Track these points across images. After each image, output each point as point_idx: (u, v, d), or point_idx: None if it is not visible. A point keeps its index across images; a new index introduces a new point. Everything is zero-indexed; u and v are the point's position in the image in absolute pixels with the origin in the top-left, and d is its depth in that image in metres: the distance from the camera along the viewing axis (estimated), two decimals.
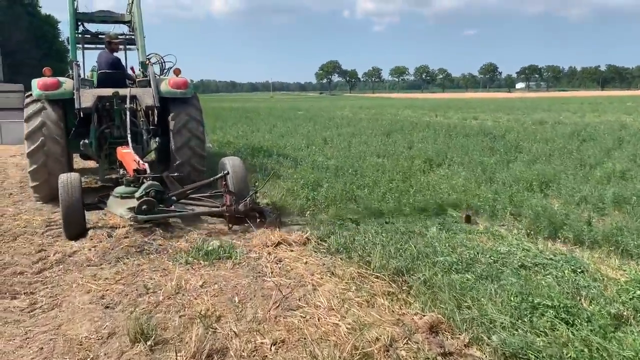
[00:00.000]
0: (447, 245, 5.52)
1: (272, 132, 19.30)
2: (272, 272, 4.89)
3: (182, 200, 6.77)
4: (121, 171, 7.21)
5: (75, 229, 6.15)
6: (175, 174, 7.12)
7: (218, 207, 6.56)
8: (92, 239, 5.95)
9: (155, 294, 4.47)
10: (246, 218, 6.34)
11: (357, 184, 8.64)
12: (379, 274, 4.59)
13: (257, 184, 7.46)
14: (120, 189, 6.62)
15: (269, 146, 14.25)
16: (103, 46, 9.79)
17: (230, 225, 6.36)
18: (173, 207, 6.48)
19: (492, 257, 5.04)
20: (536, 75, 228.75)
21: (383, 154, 12.83)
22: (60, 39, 64.92)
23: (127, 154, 7.29)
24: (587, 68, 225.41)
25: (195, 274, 4.92)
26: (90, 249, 5.64)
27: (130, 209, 6.01)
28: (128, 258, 5.36)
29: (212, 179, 7.08)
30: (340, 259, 5.16)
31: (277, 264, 5.16)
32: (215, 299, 4.35)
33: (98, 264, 5.26)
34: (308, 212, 7.12)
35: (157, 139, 8.40)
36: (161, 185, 6.33)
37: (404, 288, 4.31)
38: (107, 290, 4.59)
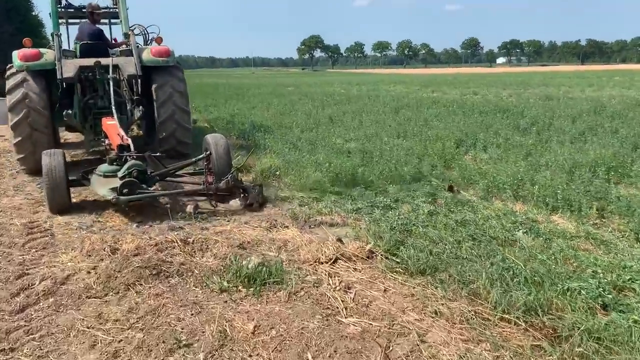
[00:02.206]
0: (554, 258, 4.27)
1: (269, 110, 17.82)
2: (345, 308, 3.58)
3: (166, 179, 6.77)
4: (106, 141, 7.05)
5: (60, 206, 6.14)
6: (157, 154, 6.91)
7: (200, 185, 6.50)
8: (90, 256, 4.54)
9: (192, 349, 3.13)
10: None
11: (399, 173, 7.33)
12: (503, 314, 3.30)
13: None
14: (103, 168, 6.38)
15: (274, 126, 12.82)
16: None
17: (215, 204, 6.29)
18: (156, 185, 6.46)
19: (634, 280, 3.78)
20: (517, 50, 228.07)
21: (402, 134, 11.52)
22: (33, 13, 61.86)
23: (111, 126, 7.09)
24: (567, 43, 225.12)
25: (240, 311, 3.58)
26: (89, 272, 4.24)
27: (113, 190, 5.81)
28: (142, 284, 3.99)
29: (194, 159, 6.89)
30: (431, 284, 3.86)
31: (346, 292, 3.83)
32: (279, 357, 3.04)
33: (102, 294, 3.88)
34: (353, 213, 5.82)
35: (141, 108, 8.30)
36: (144, 164, 6.18)
37: (557, 342, 3.02)
38: (121, 341, 3.23)
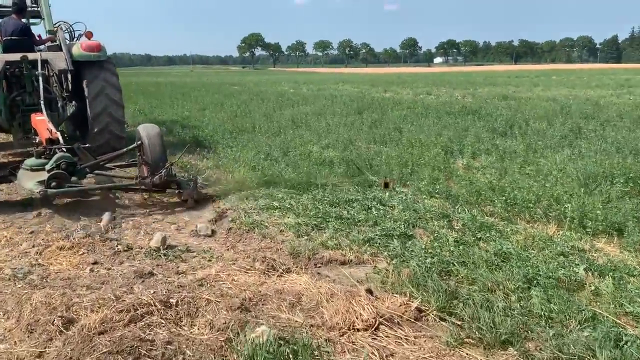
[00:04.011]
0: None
1: (223, 112, 16.44)
2: None
3: (96, 172, 6.59)
4: (37, 139, 6.80)
5: None
6: (87, 145, 6.83)
7: (132, 179, 6.26)
8: (32, 332, 3.21)
9: None
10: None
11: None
12: None
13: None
14: (30, 161, 6.19)
15: (235, 130, 11.53)
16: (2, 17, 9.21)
17: (147, 196, 6.27)
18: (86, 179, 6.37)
19: None
20: (454, 50, 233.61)
21: (379, 139, 10.54)
22: None
23: (40, 122, 6.95)
24: (501, 43, 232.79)
25: None
26: None
27: (40, 183, 5.67)
28: None
29: (124, 150, 6.89)
30: None
31: None
32: None
33: None
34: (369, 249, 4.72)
35: (73, 103, 8.07)
36: (73, 157, 6.04)
37: None
38: None
